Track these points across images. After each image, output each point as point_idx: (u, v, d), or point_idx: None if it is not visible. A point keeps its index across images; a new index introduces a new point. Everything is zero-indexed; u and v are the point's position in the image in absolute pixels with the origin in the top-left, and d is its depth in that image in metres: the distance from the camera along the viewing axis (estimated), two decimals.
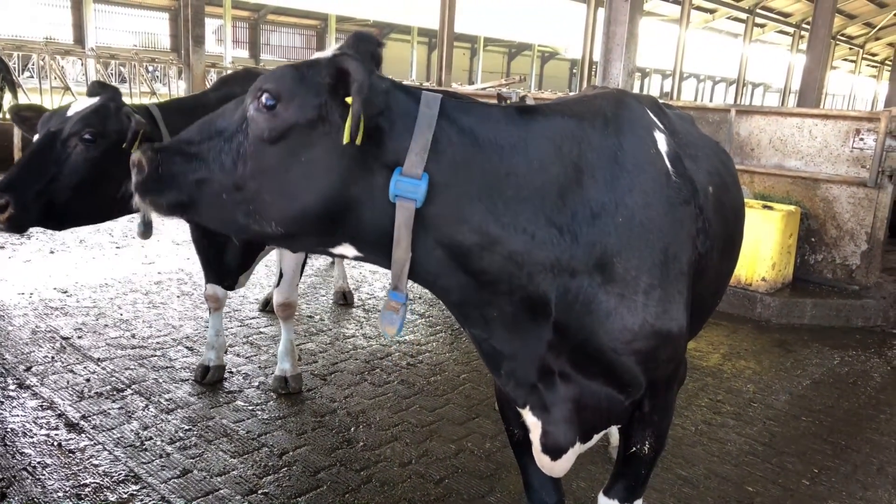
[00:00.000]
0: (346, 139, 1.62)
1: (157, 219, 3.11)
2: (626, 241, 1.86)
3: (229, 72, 11.91)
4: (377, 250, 1.80)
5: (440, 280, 1.85)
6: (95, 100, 3.18)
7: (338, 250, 1.85)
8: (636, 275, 1.86)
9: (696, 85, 48.16)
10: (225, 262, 4.03)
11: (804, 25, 33.82)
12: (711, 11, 33.69)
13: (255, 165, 1.70)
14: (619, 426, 2.23)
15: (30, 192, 2.93)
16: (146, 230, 3.51)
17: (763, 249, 6.65)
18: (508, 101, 6.29)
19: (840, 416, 4.55)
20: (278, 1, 28.67)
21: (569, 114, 1.98)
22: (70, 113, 3.12)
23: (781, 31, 38.40)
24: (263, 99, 1.68)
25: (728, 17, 35.01)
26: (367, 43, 1.82)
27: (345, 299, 6.07)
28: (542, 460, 2.15)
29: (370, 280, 6.86)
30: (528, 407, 2.05)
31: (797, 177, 7.21)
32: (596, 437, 2.15)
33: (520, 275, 1.81)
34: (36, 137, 3.15)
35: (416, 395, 4.39)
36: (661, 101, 2.66)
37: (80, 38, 25.92)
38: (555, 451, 2.09)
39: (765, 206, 6.86)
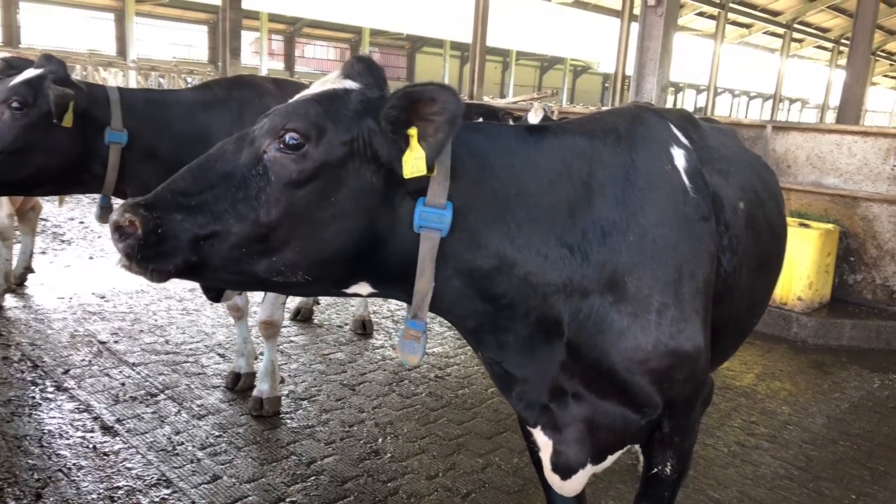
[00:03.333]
0: (407, 174, 1.57)
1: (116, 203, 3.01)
2: (638, 259, 1.83)
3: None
4: (396, 284, 1.76)
5: (457, 307, 1.82)
6: (35, 72, 3.10)
7: (352, 290, 1.79)
8: (649, 293, 1.84)
9: (730, 100, 47.59)
10: None
11: (843, 41, 33.22)
12: (747, 26, 33.34)
13: (281, 211, 1.57)
14: (640, 445, 2.19)
15: None
16: (103, 213, 3.35)
17: (799, 268, 6.51)
18: (548, 114, 6.28)
19: (879, 441, 4.41)
20: (313, 14, 29.13)
21: (580, 132, 1.97)
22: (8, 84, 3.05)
23: (820, 47, 37.81)
24: (288, 139, 1.57)
25: (764, 32, 34.60)
26: (378, 70, 1.74)
27: (363, 329, 5.62)
28: (552, 479, 2.13)
29: None
30: (539, 427, 2.03)
31: (836, 194, 7.06)
32: (611, 458, 2.11)
33: (535, 296, 1.80)
34: None
35: (443, 407, 4.39)
36: (697, 115, 2.64)
37: (122, 51, 26.66)
38: (565, 471, 2.06)
39: (801, 224, 6.73)
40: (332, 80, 1.72)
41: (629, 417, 1.97)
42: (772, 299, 6.50)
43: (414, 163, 1.57)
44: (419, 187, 1.65)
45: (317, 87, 1.73)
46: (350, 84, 1.69)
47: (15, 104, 2.95)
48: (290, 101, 1.69)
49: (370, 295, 1.82)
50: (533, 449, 2.27)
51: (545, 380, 1.92)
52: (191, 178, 1.62)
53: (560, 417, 1.98)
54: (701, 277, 1.93)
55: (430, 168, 1.58)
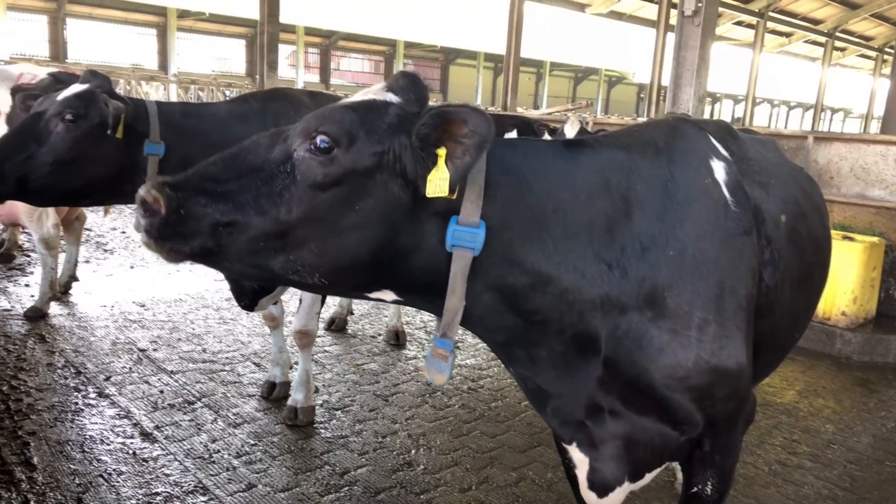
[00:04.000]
0: (429, 193, 1.57)
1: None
2: (678, 274, 1.80)
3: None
4: (421, 296, 1.75)
5: (486, 321, 1.80)
6: (84, 86, 3.23)
7: (375, 295, 1.78)
8: (689, 309, 1.80)
9: (769, 110, 46.73)
10: (243, 282, 3.91)
11: (888, 49, 32.43)
12: (787, 35, 32.73)
13: (302, 212, 1.58)
14: (680, 463, 2.15)
15: (5, 165, 3.00)
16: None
17: (844, 282, 6.33)
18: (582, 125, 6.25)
19: None
20: (349, 28, 29.52)
21: (618, 145, 1.94)
22: (58, 97, 3.16)
23: (863, 55, 36.94)
24: (318, 141, 1.58)
25: (805, 41, 33.94)
26: (422, 87, 1.73)
27: (397, 339, 5.62)
28: (588, 497, 2.09)
29: None
30: (574, 443, 2.01)
31: (881, 207, 6.87)
32: (649, 476, 2.07)
33: (570, 313, 1.77)
34: None
35: (476, 420, 4.36)
36: (736, 126, 2.59)
37: (163, 65, 27.37)
38: (602, 489, 2.03)
39: (845, 237, 6.55)
40: (375, 92, 1.73)
41: (668, 435, 1.93)
42: (815, 314, 6.38)
43: (438, 183, 1.56)
44: (450, 206, 1.63)
45: (359, 97, 1.73)
46: (391, 97, 1.69)
47: (69, 116, 3.07)
48: (330, 105, 1.70)
49: (395, 301, 1.81)
50: (568, 466, 2.24)
51: (581, 396, 1.90)
52: (221, 166, 1.64)
53: (596, 434, 1.95)
54: (743, 293, 1.89)
55: (452, 190, 1.57)
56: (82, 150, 3.10)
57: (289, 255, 1.61)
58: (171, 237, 1.57)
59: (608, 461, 1.96)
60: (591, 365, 1.85)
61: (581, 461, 2.02)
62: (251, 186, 1.59)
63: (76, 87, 3.21)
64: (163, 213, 1.54)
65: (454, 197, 1.59)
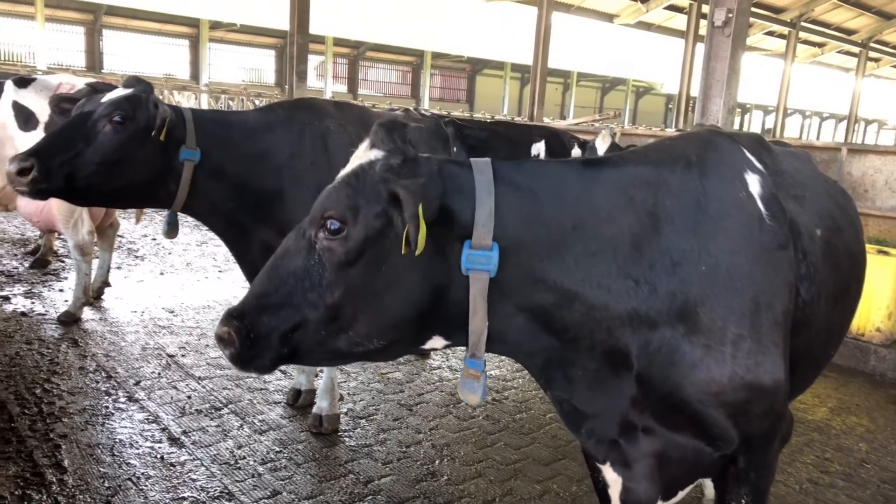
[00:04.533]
0: (405, 251, 1.62)
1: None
2: (711, 289, 1.80)
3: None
4: (464, 330, 1.78)
5: (524, 345, 1.84)
6: (130, 90, 3.33)
7: (429, 344, 1.86)
8: (723, 325, 1.79)
9: (801, 121, 46.01)
10: None
11: None
12: (820, 45, 32.24)
13: (342, 291, 1.68)
14: (713, 479, 2.12)
15: (55, 161, 3.07)
16: (170, 229, 3.59)
17: (878, 297, 6.19)
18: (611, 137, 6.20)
19: None
20: (377, 38, 29.81)
21: (644, 161, 1.95)
22: (104, 99, 3.26)
23: None
24: (329, 225, 1.68)
25: (838, 51, 33.38)
26: (398, 130, 1.79)
27: (421, 351, 5.75)
28: None
29: None
30: (608, 463, 2.00)
31: None
32: (681, 493, 2.06)
33: (599, 329, 1.79)
34: None
35: (500, 431, 4.34)
36: (768, 138, 2.56)
37: (195, 75, 27.90)
38: None
39: (881, 252, 6.40)
40: (361, 154, 1.79)
41: (702, 451, 1.92)
42: (849, 330, 6.24)
43: (422, 241, 1.60)
44: (466, 231, 1.70)
45: (350, 163, 1.80)
46: (375, 154, 1.75)
47: (117, 118, 3.16)
48: (327, 187, 1.77)
49: (445, 347, 1.89)
50: (601, 485, 2.23)
51: (615, 415, 1.90)
52: (266, 280, 1.76)
53: (630, 453, 1.94)
54: (779, 308, 1.87)
55: (413, 250, 1.60)
56: (127, 152, 3.19)
57: (347, 332, 1.72)
58: (252, 359, 1.73)
59: (642, 480, 1.96)
60: (624, 382, 1.85)
61: (614, 481, 2.02)
62: (296, 287, 1.71)
63: (122, 91, 3.31)
64: (237, 343, 1.70)
65: (417, 254, 1.62)
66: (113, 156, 3.16)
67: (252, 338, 1.70)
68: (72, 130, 3.18)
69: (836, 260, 2.21)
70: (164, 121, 3.21)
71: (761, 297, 1.84)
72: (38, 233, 7.64)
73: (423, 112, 6.88)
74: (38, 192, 3.12)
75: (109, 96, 3.26)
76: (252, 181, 3.58)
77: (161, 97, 16.28)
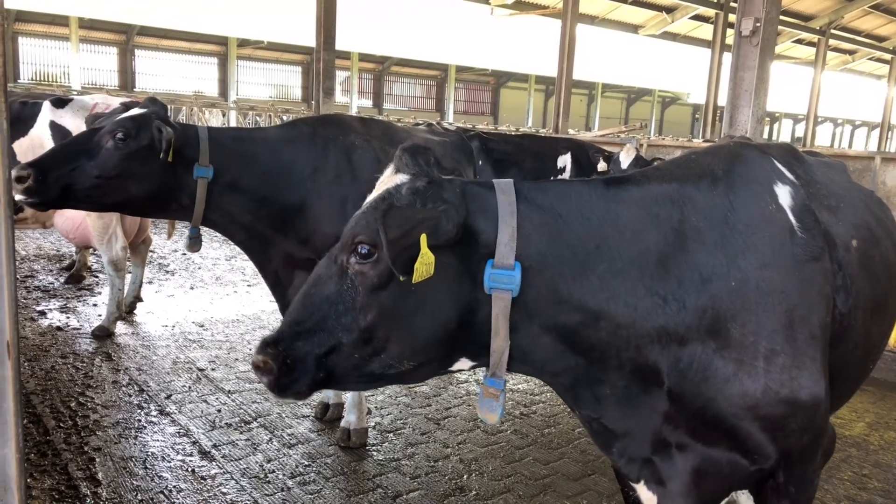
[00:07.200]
0: (415, 280, 1.65)
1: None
2: (742, 304, 1.79)
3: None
4: (489, 349, 1.80)
5: (550, 364, 1.84)
6: (138, 110, 3.47)
7: (456, 366, 1.88)
8: (755, 339, 1.78)
9: (832, 130, 45.26)
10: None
11: None
12: (851, 52, 31.73)
13: (375, 314, 1.71)
14: (751, 492, 2.08)
15: (53, 172, 3.23)
16: (192, 243, 3.69)
17: None
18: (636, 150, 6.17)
19: None
20: (401, 53, 30.07)
21: (668, 178, 1.94)
22: (114, 118, 3.41)
23: None
24: (360, 249, 1.70)
25: (870, 58, 32.82)
26: (422, 154, 1.82)
27: (449, 373, 5.67)
28: None
29: None
30: (642, 481, 1.98)
31: None
32: None
33: (627, 347, 1.79)
34: None
35: (529, 446, 4.31)
36: (799, 147, 2.53)
37: (223, 92, 28.40)
38: None
39: None
40: (387, 179, 1.82)
41: (738, 464, 1.89)
42: (887, 343, 6.09)
43: (422, 269, 1.64)
44: (489, 251, 1.72)
45: (376, 188, 1.84)
46: (400, 179, 1.78)
47: (120, 135, 3.31)
48: (356, 213, 1.81)
49: (472, 368, 1.89)
50: (628, 494, 2.20)
51: (647, 432, 1.88)
52: (300, 308, 1.78)
53: (664, 470, 1.92)
54: (816, 321, 1.84)
55: (403, 273, 1.63)
56: (127, 168, 3.33)
57: (380, 354, 1.74)
58: (289, 385, 1.75)
59: (677, 497, 1.94)
60: (654, 399, 1.84)
61: (649, 499, 2.00)
62: (330, 312, 1.73)
63: (133, 111, 3.46)
64: (274, 370, 1.72)
65: (414, 281, 1.65)
66: (112, 171, 3.30)
67: (288, 364, 1.73)
68: (76, 145, 3.38)
69: (873, 271, 2.16)
70: (170, 142, 3.33)
71: (795, 310, 1.81)
72: (74, 249, 7.82)
73: (446, 126, 6.91)
74: (37, 201, 3.27)
75: (121, 115, 3.41)
76: (273, 195, 3.66)
77: (191, 114, 16.52)
